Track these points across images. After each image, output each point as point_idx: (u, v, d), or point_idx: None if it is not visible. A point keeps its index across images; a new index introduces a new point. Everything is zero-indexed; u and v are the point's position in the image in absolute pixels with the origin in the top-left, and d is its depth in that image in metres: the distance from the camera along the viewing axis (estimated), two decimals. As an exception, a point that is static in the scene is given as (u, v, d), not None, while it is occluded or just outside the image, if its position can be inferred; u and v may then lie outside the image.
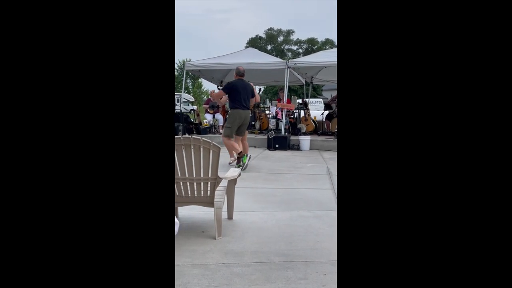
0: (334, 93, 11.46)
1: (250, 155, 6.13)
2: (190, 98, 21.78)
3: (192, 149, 2.86)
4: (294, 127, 10.04)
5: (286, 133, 9.23)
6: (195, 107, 12.93)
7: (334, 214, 3.63)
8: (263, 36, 47.69)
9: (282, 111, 9.73)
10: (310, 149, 8.79)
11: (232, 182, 3.31)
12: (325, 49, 31.87)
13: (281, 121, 9.62)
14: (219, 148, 2.91)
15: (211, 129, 10.48)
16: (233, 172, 3.38)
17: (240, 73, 6.16)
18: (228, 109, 6.39)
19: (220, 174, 2.98)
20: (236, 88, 5.94)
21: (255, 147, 8.96)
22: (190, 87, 38.20)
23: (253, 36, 47.67)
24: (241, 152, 5.93)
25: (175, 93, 12.74)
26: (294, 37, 47.85)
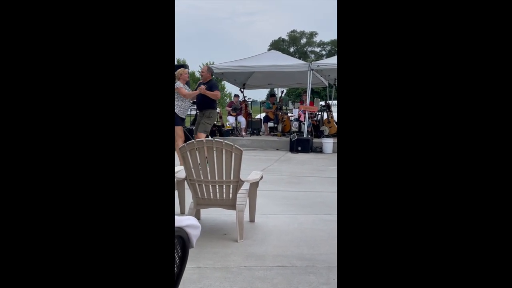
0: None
1: None
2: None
3: (215, 152, 2.87)
4: (316, 130, 9.97)
5: (309, 136, 9.17)
6: (218, 110, 13.03)
7: (357, 218, 3.58)
8: (286, 38, 47.64)
9: (304, 113, 9.68)
10: (333, 152, 8.70)
11: (254, 185, 3.30)
12: (349, 50, 31.47)
13: (304, 124, 9.57)
14: (241, 150, 2.91)
15: (233, 131, 10.52)
16: (255, 175, 3.37)
17: (213, 72, 6.45)
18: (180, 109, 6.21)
19: (242, 177, 2.98)
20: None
21: (277, 149, 8.94)
22: (213, 89, 38.45)
23: (276, 38, 47.70)
24: None
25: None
26: (317, 39, 47.64)
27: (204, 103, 6.16)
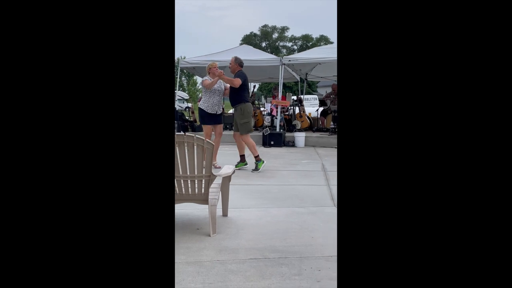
0: (329, 90, 11.46)
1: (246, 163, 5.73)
2: (185, 95, 21.73)
3: (186, 147, 2.86)
4: (289, 124, 10.04)
5: (281, 130, 9.23)
6: (190, 105, 12.90)
7: (328, 210, 3.64)
8: (258, 33, 47.61)
9: (277, 108, 9.73)
10: (305, 146, 8.80)
11: (227, 179, 3.31)
12: (320, 45, 31.86)
13: (276, 118, 9.62)
14: (213, 145, 2.91)
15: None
16: (228, 169, 3.38)
17: (242, 63, 5.58)
18: (203, 102, 5.66)
19: (214, 171, 2.97)
20: (247, 80, 5.50)
21: (250, 144, 8.96)
22: (185, 84, 38.11)
23: (248, 33, 47.61)
24: (258, 155, 5.54)
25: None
26: (288, 34, 47.85)
27: (233, 98, 5.46)
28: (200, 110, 5.64)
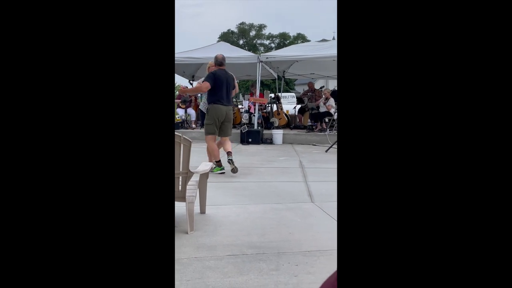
0: (307, 88, 11.55)
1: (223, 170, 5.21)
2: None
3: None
4: (266, 121, 10.08)
5: (259, 127, 9.25)
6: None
7: (306, 206, 3.68)
8: (235, 30, 47.50)
9: (254, 105, 9.74)
10: (283, 143, 8.85)
11: (204, 176, 3.30)
12: (297, 43, 32.05)
13: (254, 115, 9.63)
14: (190, 142, 2.89)
15: (183, 124, 10.38)
16: (205, 166, 3.36)
17: (218, 62, 5.18)
18: (203, 104, 5.63)
19: (191, 168, 2.96)
20: (220, 80, 5.05)
21: (228, 141, 8.94)
22: (162, 82, 37.62)
23: (225, 30, 47.42)
24: (219, 161, 5.17)
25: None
26: (266, 31, 47.90)
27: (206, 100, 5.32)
28: (201, 112, 5.50)
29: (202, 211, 3.37)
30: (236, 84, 5.55)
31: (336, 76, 12.11)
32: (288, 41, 43.18)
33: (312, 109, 10.22)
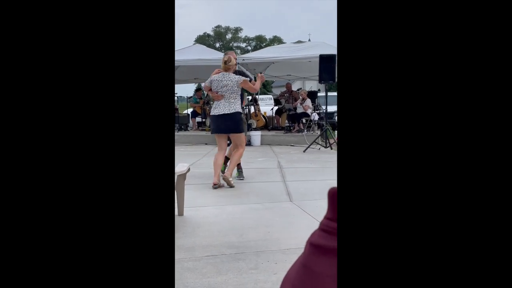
0: (284, 89, 11.61)
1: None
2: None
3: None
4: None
5: (237, 129, 9.23)
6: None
7: (284, 206, 3.68)
8: (211, 33, 47.40)
9: (232, 107, 9.72)
10: (261, 144, 8.86)
11: (181, 177, 3.26)
12: (273, 45, 32.24)
13: (232, 117, 9.61)
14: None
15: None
16: (181, 167, 3.33)
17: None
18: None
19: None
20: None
21: (206, 144, 8.89)
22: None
23: (201, 33, 47.28)
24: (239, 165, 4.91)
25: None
26: (242, 34, 48.01)
27: None
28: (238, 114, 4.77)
29: (180, 213, 3.33)
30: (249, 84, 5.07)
31: (312, 77, 12.22)
32: (264, 44, 43.37)
33: (290, 110, 10.27)
